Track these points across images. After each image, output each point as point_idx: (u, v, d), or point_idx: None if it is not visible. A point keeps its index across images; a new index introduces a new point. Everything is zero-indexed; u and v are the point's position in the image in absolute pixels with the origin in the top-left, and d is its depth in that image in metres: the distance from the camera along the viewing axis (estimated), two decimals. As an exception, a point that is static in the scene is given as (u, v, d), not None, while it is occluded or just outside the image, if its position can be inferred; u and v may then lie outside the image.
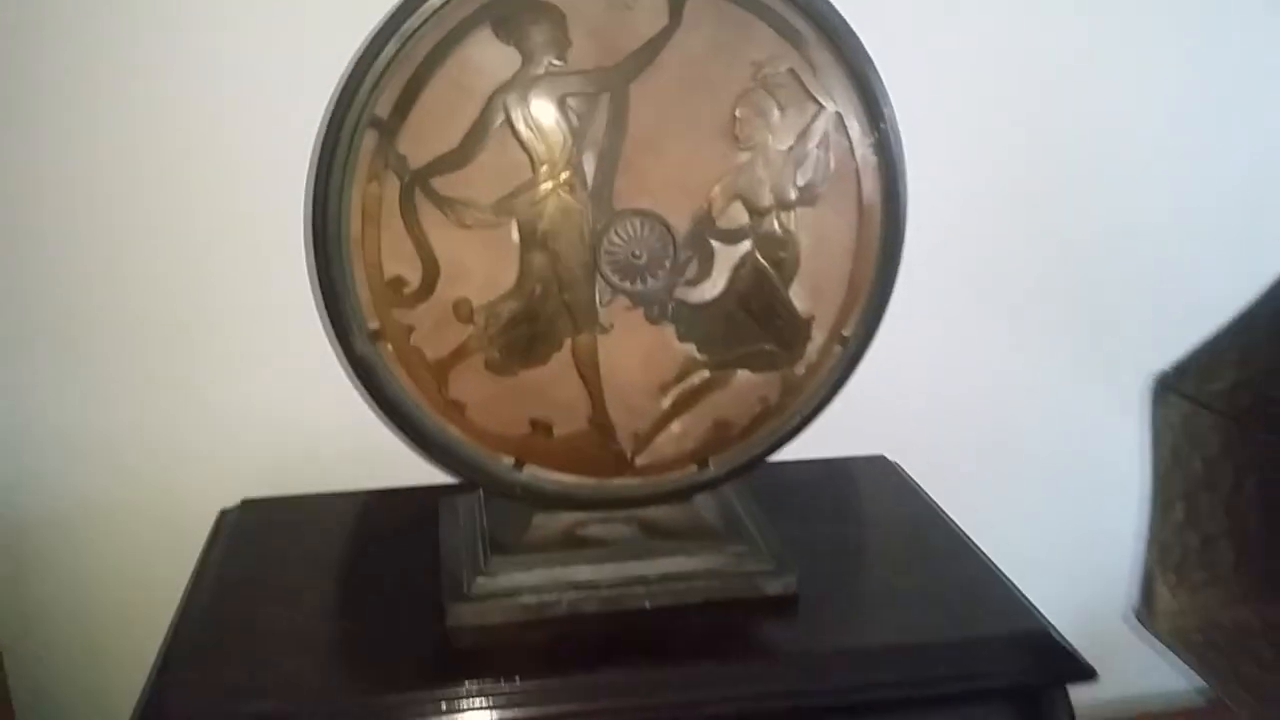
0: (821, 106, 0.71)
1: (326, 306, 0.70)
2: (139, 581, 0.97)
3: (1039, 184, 1.03)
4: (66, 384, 0.92)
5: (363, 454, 0.97)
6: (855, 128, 0.73)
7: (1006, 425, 1.10)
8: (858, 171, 0.73)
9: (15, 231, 0.86)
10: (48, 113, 0.84)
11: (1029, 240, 1.05)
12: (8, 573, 0.95)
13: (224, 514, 0.92)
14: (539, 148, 0.68)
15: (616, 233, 0.71)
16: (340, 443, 0.98)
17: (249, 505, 0.93)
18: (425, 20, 0.66)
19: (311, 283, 0.89)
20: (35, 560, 0.95)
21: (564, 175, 0.69)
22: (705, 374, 0.76)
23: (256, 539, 0.88)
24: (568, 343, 0.73)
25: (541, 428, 0.75)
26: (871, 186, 0.74)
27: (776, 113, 0.71)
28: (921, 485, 0.97)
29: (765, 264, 0.74)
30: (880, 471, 1.02)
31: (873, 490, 1.00)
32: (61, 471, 0.94)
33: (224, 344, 0.92)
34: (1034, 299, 1.07)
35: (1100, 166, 1.04)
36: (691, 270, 0.73)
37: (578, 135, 0.68)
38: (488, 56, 0.67)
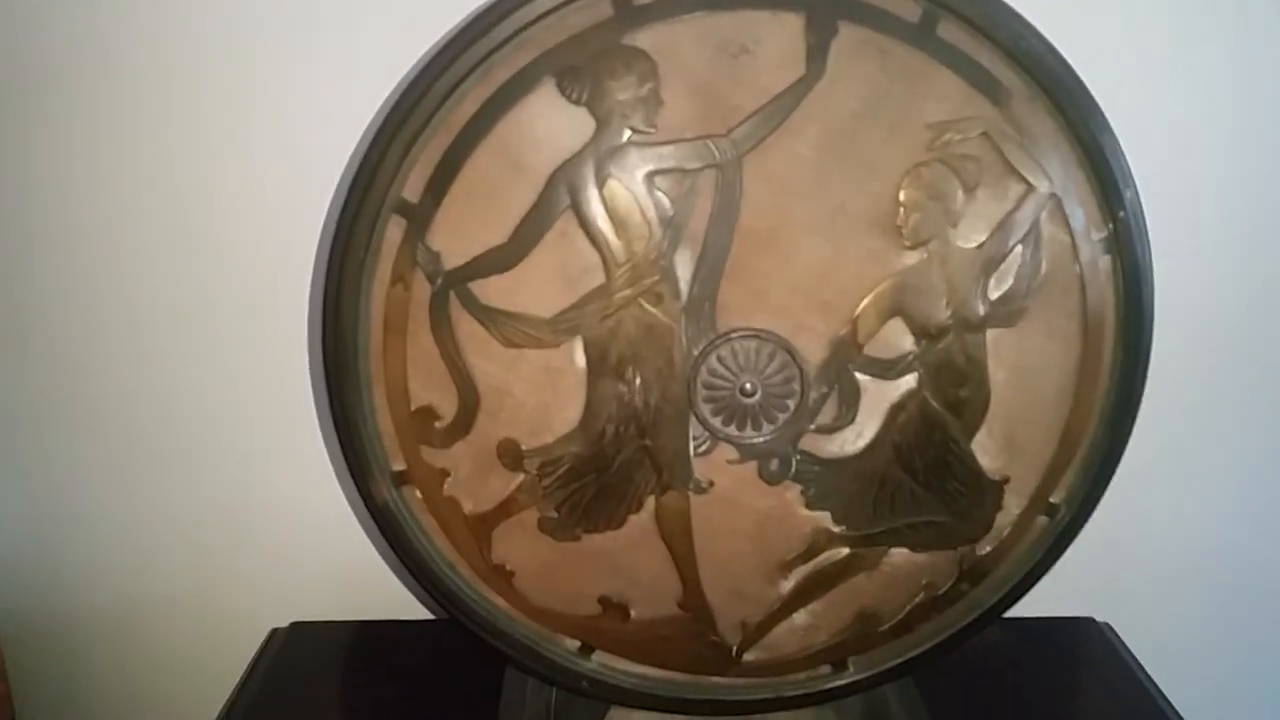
0: (1031, 186, 0.61)
1: (340, 440, 0.64)
2: (182, 688, 0.95)
3: None
4: (123, 480, 0.90)
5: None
6: (1080, 217, 0.62)
7: (1255, 590, 0.96)
8: (1082, 277, 0.63)
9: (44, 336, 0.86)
10: (43, 210, 0.82)
11: None
12: (57, 661, 0.96)
13: (274, 633, 0.89)
14: (615, 243, 0.61)
15: (720, 359, 0.63)
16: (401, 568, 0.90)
17: (299, 628, 0.89)
18: (469, 73, 0.58)
19: (320, 410, 0.83)
20: (83, 651, 0.96)
21: (649, 281, 0.61)
22: (844, 552, 0.67)
23: (301, 664, 0.86)
24: (650, 502, 0.65)
25: (615, 608, 0.68)
26: (1101, 298, 0.63)
27: (961, 195, 0.61)
28: (1139, 658, 0.86)
29: (937, 407, 0.64)
30: (1088, 639, 0.90)
31: (1075, 665, 0.88)
32: (117, 567, 0.93)
33: (252, 461, 0.89)
34: None
35: None
36: (827, 414, 0.65)
37: (669, 227, 0.61)
38: (549, 121, 0.60)
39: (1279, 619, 0.96)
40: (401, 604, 0.90)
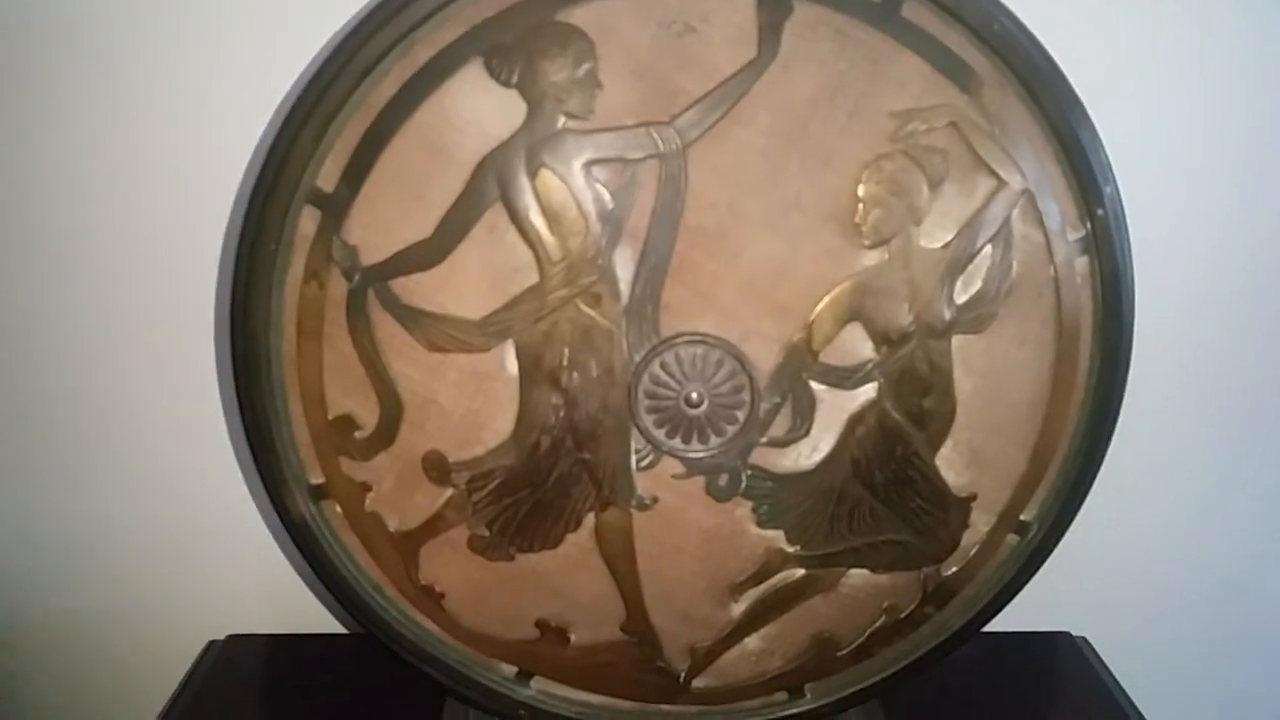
0: (1002, 182, 0.59)
1: (253, 452, 0.62)
2: (116, 701, 0.94)
3: None
4: (51, 488, 0.89)
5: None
6: (1055, 215, 0.60)
7: (1233, 603, 0.96)
8: (1056, 280, 0.61)
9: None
10: None
11: None
12: (6, 669, 0.97)
13: (210, 645, 0.89)
14: (549, 239, 0.58)
15: (663, 366, 0.61)
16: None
17: (235, 641, 0.89)
18: (388, 50, 0.55)
19: (230, 419, 0.82)
20: (33, 660, 0.95)
21: (586, 280, 0.59)
22: (798, 573, 0.66)
23: (237, 677, 0.86)
24: (589, 519, 0.64)
25: (553, 632, 0.66)
26: (1077, 302, 0.61)
27: (926, 190, 0.59)
28: (1116, 673, 0.86)
29: (899, 419, 0.62)
30: (1064, 655, 0.90)
31: (1050, 681, 0.88)
32: (50, 577, 0.92)
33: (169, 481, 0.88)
34: None
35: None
36: (779, 426, 0.63)
37: (608, 222, 0.58)
38: (477, 105, 0.57)
39: (1257, 632, 0.96)
40: (339, 617, 0.89)
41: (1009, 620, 0.79)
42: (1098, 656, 0.87)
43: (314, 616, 0.91)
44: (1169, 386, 0.86)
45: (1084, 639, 0.89)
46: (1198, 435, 0.90)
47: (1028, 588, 0.69)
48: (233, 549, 0.90)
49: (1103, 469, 0.66)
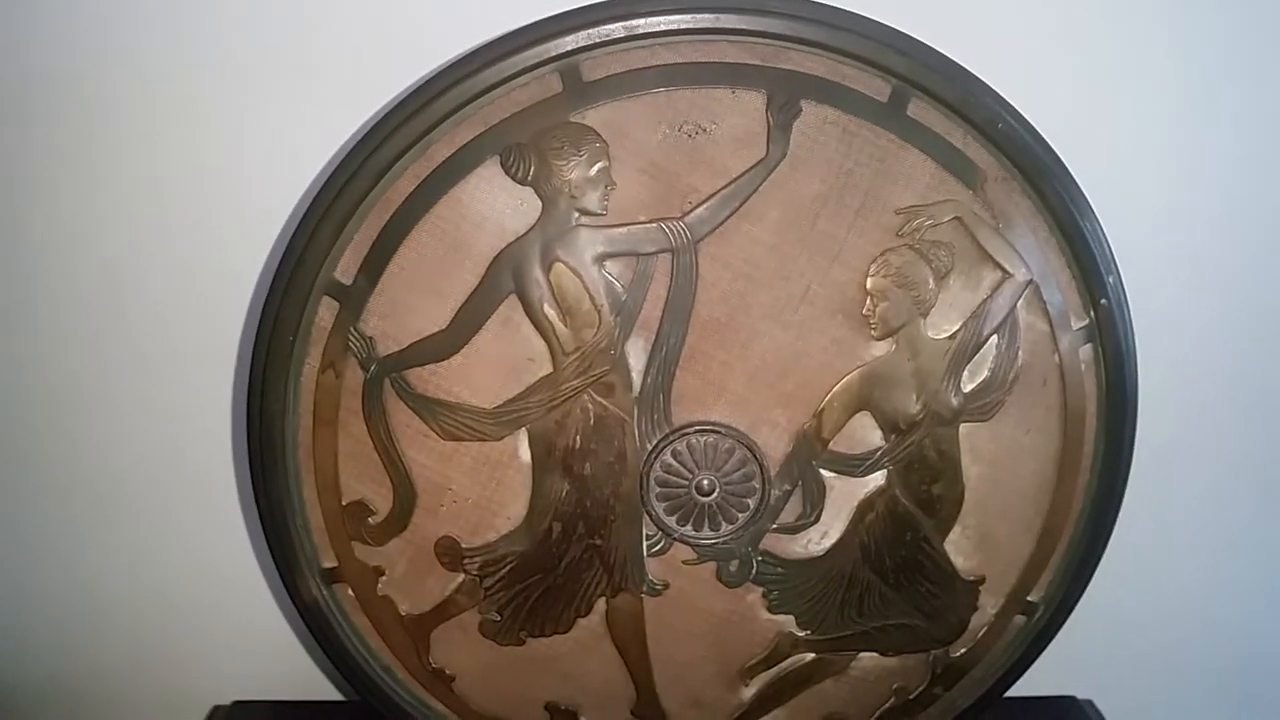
0: (1007, 274, 0.61)
1: (266, 535, 0.63)
2: None
3: None
4: (61, 553, 0.89)
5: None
6: (1059, 304, 0.61)
7: (1247, 667, 0.94)
8: (1061, 368, 0.62)
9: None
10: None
11: None
12: None
13: (215, 710, 0.90)
14: (563, 331, 0.59)
15: (675, 455, 0.61)
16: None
17: (241, 707, 0.89)
18: (406, 150, 0.57)
19: (245, 504, 0.82)
20: None
21: (598, 371, 0.60)
22: (809, 657, 0.66)
23: None
24: (600, 604, 0.64)
25: (564, 715, 0.66)
26: (1082, 389, 0.62)
27: (932, 283, 0.60)
28: None
29: (908, 505, 0.63)
30: (1070, 718, 0.88)
31: None
32: (54, 641, 0.92)
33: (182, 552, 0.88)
34: None
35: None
36: (790, 512, 0.63)
37: (621, 314, 0.59)
38: (493, 201, 0.58)
39: (1262, 696, 0.95)
40: (343, 689, 0.88)
41: (1016, 684, 0.77)
42: (1102, 718, 0.85)
43: (320, 684, 0.90)
44: (1174, 464, 0.86)
45: (1089, 702, 0.87)
46: (1204, 508, 0.90)
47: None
48: (240, 619, 0.89)
49: (1111, 543, 0.66)
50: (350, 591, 0.63)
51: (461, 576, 0.62)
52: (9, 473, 0.85)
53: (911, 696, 0.66)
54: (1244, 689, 0.95)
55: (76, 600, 0.89)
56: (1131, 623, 0.91)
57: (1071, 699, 0.88)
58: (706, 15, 0.56)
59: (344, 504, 0.61)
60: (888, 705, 0.66)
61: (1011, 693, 0.80)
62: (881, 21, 0.59)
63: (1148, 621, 0.92)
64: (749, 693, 0.65)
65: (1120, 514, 0.65)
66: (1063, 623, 0.66)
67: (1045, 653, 0.74)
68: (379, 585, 0.63)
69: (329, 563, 0.62)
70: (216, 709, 0.86)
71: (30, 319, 0.81)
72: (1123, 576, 0.83)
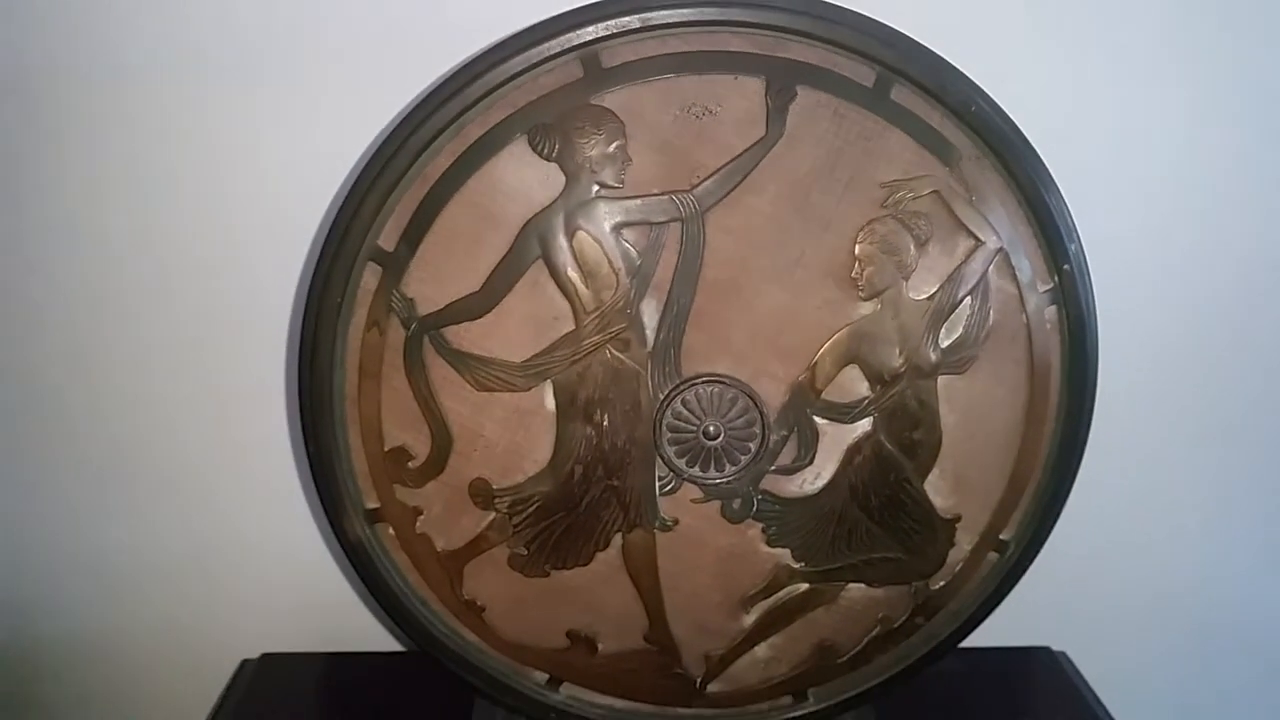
0: (979, 241, 0.63)
1: (315, 478, 0.65)
2: (156, 717, 0.95)
3: (1260, 329, 0.89)
4: (96, 511, 0.90)
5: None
6: (1026, 269, 0.64)
7: (1207, 614, 0.98)
8: (1028, 327, 0.65)
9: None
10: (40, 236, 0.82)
11: (1247, 394, 0.91)
12: (29, 691, 0.96)
13: (244, 665, 0.90)
14: (584, 292, 0.62)
15: (684, 403, 0.64)
16: (372, 602, 0.89)
17: (269, 659, 0.90)
18: (443, 129, 0.60)
19: (296, 449, 0.84)
20: (48, 679, 0.95)
21: (616, 328, 0.62)
22: (803, 587, 0.68)
23: (272, 695, 0.86)
24: (617, 540, 0.66)
25: (583, 641, 0.69)
26: (1048, 346, 0.65)
27: (913, 249, 0.63)
28: (1096, 690, 0.87)
29: (892, 449, 0.65)
30: (1044, 668, 0.92)
31: (1030, 696, 0.90)
32: (88, 597, 0.93)
33: (226, 497, 0.89)
34: (1250, 465, 0.93)
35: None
36: (786, 455, 0.65)
37: (636, 276, 0.62)
38: (521, 175, 0.61)
39: (1231, 645, 0.98)
40: (370, 636, 0.90)
41: (992, 636, 0.80)
42: (1076, 670, 0.89)
43: (350, 635, 0.91)
44: (1135, 416, 0.88)
45: (1063, 654, 0.90)
46: (1165, 461, 0.92)
47: (1011, 605, 0.71)
48: (266, 570, 0.91)
49: (1077, 494, 0.68)
50: (391, 530, 0.66)
51: (492, 515, 0.65)
52: (77, 428, 0.86)
53: (895, 626, 0.69)
54: (1208, 636, 0.98)
55: (131, 557, 0.90)
56: (1101, 575, 0.94)
57: (1046, 649, 0.91)
58: (712, 9, 0.59)
59: (386, 450, 0.64)
60: (874, 634, 0.69)
61: (989, 643, 0.83)
62: (869, 15, 0.61)
63: (1113, 573, 0.94)
64: (749, 620, 0.68)
65: (1084, 460, 0.67)
66: (1032, 560, 0.69)
67: (1021, 605, 0.74)
68: (417, 524, 0.65)
69: (372, 504, 0.65)
70: (245, 663, 0.88)
71: (94, 281, 0.82)
72: (1090, 530, 0.88)
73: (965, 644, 0.77)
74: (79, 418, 0.86)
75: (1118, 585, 0.96)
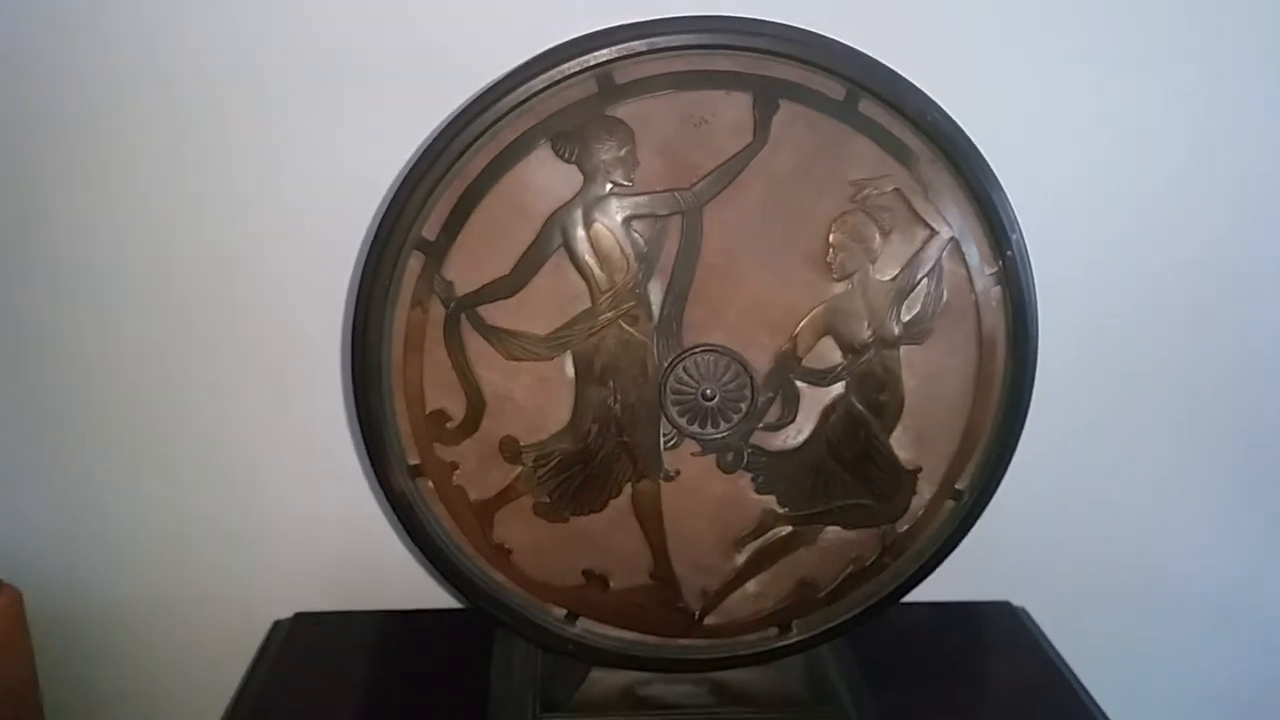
0: (934, 231, 0.67)
1: (364, 438, 0.69)
2: (190, 681, 0.98)
3: (1189, 305, 0.95)
4: (133, 481, 0.93)
5: (422, 574, 0.95)
6: (974, 255, 0.68)
7: (1155, 569, 1.03)
8: (977, 304, 0.69)
9: (66, 348, 0.89)
10: (80, 232, 0.86)
11: (1179, 363, 0.97)
12: (66, 659, 0.98)
13: (276, 625, 0.93)
14: (599, 274, 0.66)
15: (685, 370, 0.68)
16: (400, 561, 0.96)
17: (302, 619, 0.94)
18: (478, 136, 0.64)
19: (349, 412, 0.89)
20: (92, 648, 0.97)
21: (627, 305, 0.66)
22: (786, 530, 0.72)
23: (306, 654, 0.90)
24: (627, 489, 0.70)
25: (596, 580, 0.73)
26: (994, 321, 0.69)
27: (878, 238, 0.67)
28: (1051, 639, 0.92)
29: (861, 408, 0.69)
30: (1004, 621, 0.97)
31: (992, 644, 0.95)
32: (124, 565, 0.97)
33: (268, 462, 0.93)
34: (1185, 428, 0.99)
35: (1264, 284, 0.94)
36: (772, 414, 0.69)
37: (644, 261, 0.66)
38: (546, 175, 0.65)
39: (1185, 600, 1.02)
40: (398, 595, 0.95)
41: (956, 590, 0.89)
42: (1035, 624, 0.94)
43: (379, 595, 0.96)
44: (1073, 381, 0.93)
45: (1023, 609, 0.96)
46: (1102, 421, 0.97)
47: (973, 561, 0.75)
48: (307, 531, 0.94)
49: (1029, 457, 0.72)
50: (430, 483, 0.69)
51: (520, 468, 0.68)
52: (147, 391, 0.90)
53: (867, 564, 0.73)
54: (1160, 590, 1.03)
55: (157, 523, 0.94)
56: (1058, 532, 0.99)
57: (1006, 604, 0.97)
58: (707, 35, 0.64)
59: (427, 413, 0.67)
60: (848, 571, 0.73)
61: (951, 598, 0.91)
62: (839, 40, 0.65)
63: (1067, 529, 0.99)
64: (741, 559, 0.71)
65: (1031, 420, 0.70)
66: (984, 508, 0.72)
67: (983, 562, 0.80)
68: (454, 477, 0.69)
69: (414, 460, 0.68)
70: (278, 623, 0.93)
71: (163, 270, 0.87)
72: (1043, 490, 0.94)
73: (934, 599, 0.82)
74: (119, 388, 0.89)
75: (1070, 541, 1.00)
